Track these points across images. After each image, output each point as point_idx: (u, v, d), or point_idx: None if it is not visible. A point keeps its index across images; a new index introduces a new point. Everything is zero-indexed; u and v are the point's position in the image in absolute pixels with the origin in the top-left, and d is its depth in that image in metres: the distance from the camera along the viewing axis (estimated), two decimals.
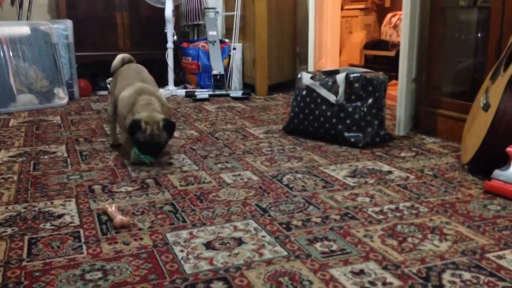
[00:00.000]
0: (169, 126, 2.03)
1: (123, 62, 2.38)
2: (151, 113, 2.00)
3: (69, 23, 3.67)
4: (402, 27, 2.46)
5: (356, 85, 2.30)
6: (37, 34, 3.47)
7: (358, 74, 2.32)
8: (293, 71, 4.13)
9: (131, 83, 2.15)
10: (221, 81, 3.87)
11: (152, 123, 1.97)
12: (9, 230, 1.42)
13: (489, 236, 1.35)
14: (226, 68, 3.96)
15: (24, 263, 1.23)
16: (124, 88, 2.14)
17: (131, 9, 4.08)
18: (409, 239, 1.34)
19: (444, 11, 2.45)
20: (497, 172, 1.67)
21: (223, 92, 3.82)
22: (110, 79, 3.98)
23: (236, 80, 4.00)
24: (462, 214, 1.51)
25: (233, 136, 2.54)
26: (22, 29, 3.43)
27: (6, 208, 1.59)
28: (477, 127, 1.85)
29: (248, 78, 3.97)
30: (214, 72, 3.87)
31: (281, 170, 1.96)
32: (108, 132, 2.49)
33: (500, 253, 1.26)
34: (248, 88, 3.90)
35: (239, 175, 1.91)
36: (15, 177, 1.90)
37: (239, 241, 1.34)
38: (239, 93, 3.77)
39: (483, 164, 1.80)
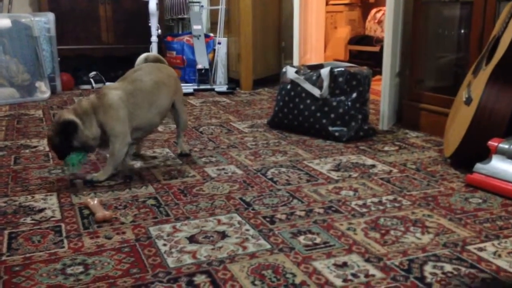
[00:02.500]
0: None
1: (146, 61, 2.05)
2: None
3: (51, 16, 3.62)
4: (385, 22, 2.47)
5: (340, 79, 2.30)
6: (18, 27, 3.40)
7: (342, 69, 2.33)
8: (278, 66, 4.13)
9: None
10: (206, 76, 3.85)
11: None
12: None
13: (470, 229, 1.37)
14: (211, 62, 3.94)
15: (3, 258, 1.21)
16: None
17: (115, 2, 4.03)
18: (392, 232, 1.35)
19: (427, 6, 2.46)
20: (478, 166, 1.69)
21: (208, 86, 3.80)
22: (94, 73, 3.98)
23: (221, 74, 3.98)
24: (444, 207, 1.53)
25: (217, 131, 2.53)
26: (3, 22, 3.37)
27: None
28: (459, 121, 1.87)
29: (233, 72, 3.96)
30: (199, 66, 3.85)
31: (266, 164, 1.96)
32: None
33: (481, 245, 1.27)
34: (233, 82, 3.89)
35: (223, 169, 1.91)
36: None
37: (223, 235, 1.34)
38: (224, 88, 3.76)
39: (465, 157, 1.82)
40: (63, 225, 1.40)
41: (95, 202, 1.49)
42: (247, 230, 1.37)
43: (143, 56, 2.07)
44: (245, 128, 2.58)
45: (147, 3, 3.72)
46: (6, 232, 1.35)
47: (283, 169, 1.90)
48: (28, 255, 1.22)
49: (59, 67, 3.66)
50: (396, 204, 1.55)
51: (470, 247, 1.26)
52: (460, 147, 1.79)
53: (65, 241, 1.30)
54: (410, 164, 1.95)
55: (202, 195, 1.64)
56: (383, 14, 4.80)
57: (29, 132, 2.50)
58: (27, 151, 2.15)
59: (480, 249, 1.25)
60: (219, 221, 1.43)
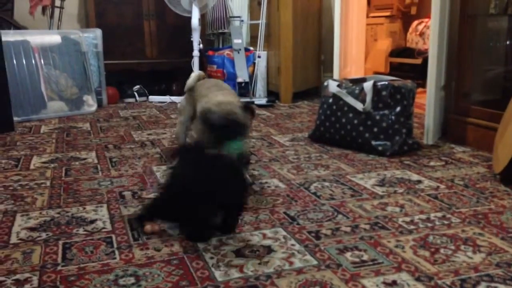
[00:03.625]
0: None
1: (198, 80, 2.12)
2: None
3: (98, 32, 3.75)
4: (430, 34, 2.44)
5: (384, 93, 2.28)
6: (68, 42, 3.55)
7: (386, 82, 2.30)
8: (317, 79, 4.13)
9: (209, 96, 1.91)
10: (246, 89, 3.89)
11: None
12: (44, 235, 1.45)
13: None
14: (251, 75, 3.98)
15: (59, 268, 1.26)
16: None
17: (158, 17, 4.14)
18: (442, 250, 1.32)
19: (474, 19, 2.41)
20: None
21: (248, 99, 3.84)
22: (137, 86, 4.09)
23: (260, 87, 4.02)
24: (495, 225, 1.48)
25: (258, 144, 2.55)
26: (53, 38, 3.52)
27: (40, 213, 1.63)
28: (509, 136, 1.81)
29: (273, 85, 3.98)
30: (239, 79, 3.89)
31: (308, 178, 1.96)
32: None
33: None
34: (273, 95, 3.91)
35: (266, 182, 1.92)
36: (48, 183, 1.94)
37: (269, 249, 1.34)
38: (263, 101, 3.78)
39: None
40: (114, 236, 1.44)
41: None
42: (293, 245, 1.37)
43: (195, 75, 2.13)
44: (286, 142, 2.59)
45: (189, 18, 3.81)
46: (60, 242, 1.41)
47: (326, 183, 1.89)
48: (82, 265, 1.27)
49: (105, 81, 3.79)
50: (445, 222, 1.51)
51: None
52: (511, 163, 1.74)
53: (117, 252, 1.34)
54: (458, 180, 1.91)
55: (246, 208, 1.65)
56: (425, 26, 4.73)
57: (78, 144, 2.59)
58: (77, 163, 2.23)
59: None
60: (264, 235, 1.44)
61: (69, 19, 4.24)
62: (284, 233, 1.45)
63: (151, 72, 4.26)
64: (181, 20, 3.97)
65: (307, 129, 2.84)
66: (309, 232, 1.45)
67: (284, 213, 1.61)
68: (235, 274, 1.22)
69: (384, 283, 1.16)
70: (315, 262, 1.27)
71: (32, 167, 2.17)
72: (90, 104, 3.57)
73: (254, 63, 4.01)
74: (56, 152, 2.43)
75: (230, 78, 4.02)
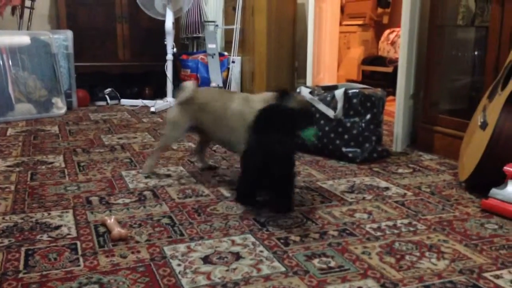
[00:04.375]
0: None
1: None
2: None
3: (69, 34, 3.69)
4: (400, 44, 2.48)
5: (355, 100, 2.31)
6: (37, 44, 3.48)
7: (357, 90, 2.34)
8: (291, 85, 4.15)
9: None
10: None
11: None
12: (6, 241, 1.41)
13: (487, 255, 1.35)
14: (225, 80, 3.98)
15: (20, 275, 1.22)
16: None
17: (132, 20, 4.10)
18: (407, 257, 1.34)
19: (442, 29, 2.48)
20: (494, 191, 1.67)
21: None
22: (109, 89, 4.03)
23: None
24: (460, 232, 1.51)
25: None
26: (22, 39, 3.45)
27: (3, 218, 1.58)
28: (475, 145, 1.86)
29: (247, 91, 3.99)
30: (213, 84, 3.88)
31: None
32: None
33: (498, 272, 1.26)
34: None
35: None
36: (12, 187, 1.89)
37: (237, 256, 1.34)
38: None
39: (481, 182, 1.81)
40: (78, 243, 1.41)
41: (112, 220, 1.51)
42: (261, 251, 1.37)
43: (192, 85, 2.03)
44: None
45: (163, 22, 3.79)
46: (23, 249, 1.37)
47: (297, 190, 1.90)
48: (44, 272, 1.24)
49: (75, 83, 3.72)
50: (411, 228, 1.54)
51: (487, 274, 1.25)
52: (476, 172, 1.78)
53: (81, 259, 1.31)
54: (425, 187, 1.95)
55: (216, 214, 1.64)
56: (396, 35, 4.82)
57: (46, 148, 2.54)
58: (43, 167, 2.18)
59: (497, 277, 1.24)
60: (233, 241, 1.43)
61: (40, 20, 4.16)
62: (253, 239, 1.45)
63: (123, 75, 4.21)
64: (154, 23, 3.94)
65: None
66: (278, 239, 1.45)
67: (254, 219, 1.60)
68: (202, 281, 1.20)
69: None
70: (283, 269, 1.27)
71: None
72: (59, 106, 3.50)
73: (228, 68, 4.01)
74: (22, 156, 2.37)
75: (204, 83, 4.01)
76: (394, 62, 4.60)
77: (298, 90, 2.56)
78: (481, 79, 2.27)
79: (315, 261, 1.31)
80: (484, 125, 1.81)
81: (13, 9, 3.81)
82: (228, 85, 3.98)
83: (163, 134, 2.19)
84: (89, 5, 3.97)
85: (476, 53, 2.56)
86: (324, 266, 1.29)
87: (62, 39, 3.66)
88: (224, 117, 1.91)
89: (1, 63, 3.25)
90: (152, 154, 2.16)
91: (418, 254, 1.36)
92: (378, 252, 1.37)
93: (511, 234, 1.50)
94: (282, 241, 1.44)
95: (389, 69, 4.62)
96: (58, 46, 3.60)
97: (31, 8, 3.87)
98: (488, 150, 1.72)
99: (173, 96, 3.97)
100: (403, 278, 1.23)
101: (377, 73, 4.83)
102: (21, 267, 1.26)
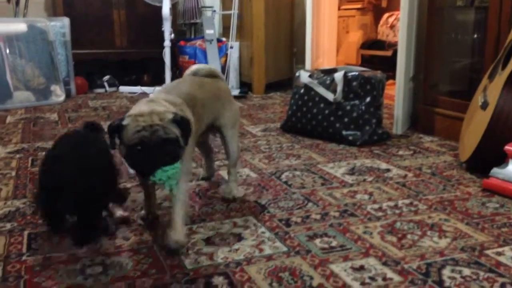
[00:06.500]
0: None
1: (193, 74, 1.61)
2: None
3: (66, 21, 3.66)
4: (400, 26, 2.47)
5: (354, 83, 2.30)
6: (34, 31, 3.45)
7: (356, 73, 2.33)
8: (290, 70, 4.14)
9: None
10: None
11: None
12: (8, 225, 1.41)
13: (488, 233, 1.36)
14: (223, 66, 3.96)
15: (24, 258, 1.23)
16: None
17: (128, 7, 4.07)
18: (409, 236, 1.35)
19: (442, 11, 2.46)
20: (495, 170, 1.68)
21: None
22: (107, 77, 4.01)
23: (233, 78, 4.00)
24: (461, 211, 1.52)
25: None
26: (19, 26, 3.42)
27: (5, 203, 1.59)
28: (475, 125, 1.86)
29: (245, 76, 3.97)
30: None
31: (280, 168, 1.97)
32: None
33: (499, 249, 1.26)
34: (245, 86, 3.90)
35: (238, 172, 1.91)
36: (13, 173, 1.89)
37: (239, 237, 1.34)
38: (236, 92, 3.77)
39: (481, 162, 1.81)
40: None
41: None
42: (263, 232, 1.37)
43: (194, 67, 1.64)
44: (258, 132, 2.59)
45: (160, 8, 3.75)
46: (25, 232, 1.37)
47: (297, 173, 1.90)
48: (48, 255, 1.24)
49: (73, 71, 3.70)
50: (412, 208, 1.54)
51: (488, 252, 1.25)
52: (476, 152, 1.78)
53: None
54: (426, 169, 1.95)
55: (217, 198, 1.64)
56: (395, 18, 4.79)
57: (45, 134, 2.53)
58: (43, 153, 2.18)
59: (499, 254, 1.24)
60: (235, 223, 1.44)
61: (36, 7, 4.12)
62: (254, 221, 1.45)
63: (121, 62, 4.19)
64: (151, 9, 3.91)
65: (279, 120, 2.85)
66: (280, 220, 1.46)
67: (255, 201, 1.61)
68: (204, 261, 1.21)
69: (352, 268, 1.18)
70: (285, 249, 1.27)
71: None
72: (58, 94, 3.49)
73: (226, 54, 3.99)
74: (22, 142, 2.36)
75: None
76: (393, 45, 4.58)
77: (297, 73, 2.55)
78: (481, 60, 2.26)
79: (317, 241, 1.32)
80: (484, 105, 1.81)
81: None
82: (227, 71, 3.96)
83: None
84: None
85: (475, 34, 2.54)
86: (326, 246, 1.29)
87: (59, 26, 3.63)
88: None
89: None
90: None
91: (419, 233, 1.37)
92: (379, 231, 1.37)
93: (511, 213, 1.50)
94: (283, 222, 1.44)
95: (388, 53, 4.60)
96: (55, 34, 3.57)
97: None
98: (489, 130, 1.72)
99: None
100: (405, 256, 1.23)
101: (377, 57, 4.80)
102: (24, 250, 1.27)
